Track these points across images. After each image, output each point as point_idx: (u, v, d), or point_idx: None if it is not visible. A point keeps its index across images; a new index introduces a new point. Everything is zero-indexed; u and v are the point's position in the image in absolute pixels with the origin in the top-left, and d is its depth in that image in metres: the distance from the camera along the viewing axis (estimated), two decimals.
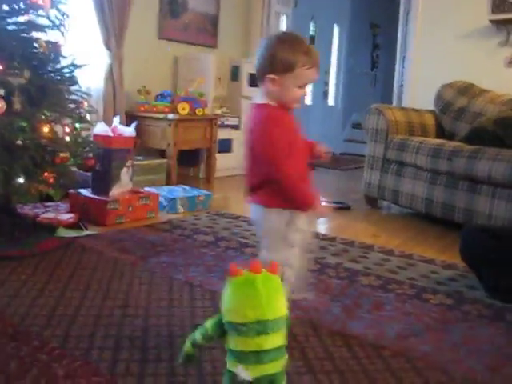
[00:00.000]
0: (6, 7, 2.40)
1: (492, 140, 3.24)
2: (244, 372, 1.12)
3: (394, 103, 5.11)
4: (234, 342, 1.14)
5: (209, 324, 1.21)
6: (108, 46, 4.19)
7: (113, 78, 4.26)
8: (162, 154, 4.46)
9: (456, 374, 1.52)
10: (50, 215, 2.88)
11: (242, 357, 1.13)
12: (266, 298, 1.12)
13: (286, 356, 1.19)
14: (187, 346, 1.24)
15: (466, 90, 4.03)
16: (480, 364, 1.59)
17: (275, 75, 1.54)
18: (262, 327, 1.10)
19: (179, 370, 1.44)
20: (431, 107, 4.20)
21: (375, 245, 2.90)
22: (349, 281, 2.29)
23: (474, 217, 3.08)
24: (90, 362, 1.46)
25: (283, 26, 6.21)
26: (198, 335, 1.23)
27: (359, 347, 1.66)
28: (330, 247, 2.80)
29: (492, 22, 4.28)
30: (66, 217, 2.86)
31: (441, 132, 4.04)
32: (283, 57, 1.53)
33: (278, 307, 1.15)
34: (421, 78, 4.72)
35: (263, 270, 1.18)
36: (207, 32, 5.41)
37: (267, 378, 1.14)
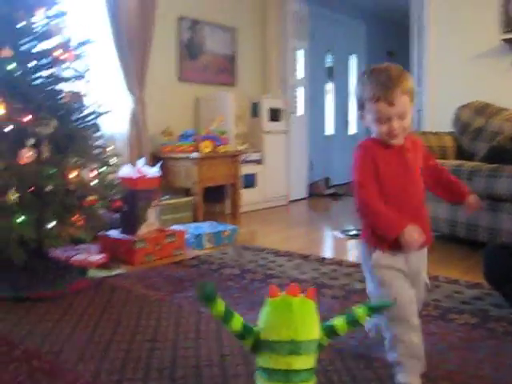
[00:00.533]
0: (33, 63, 2.56)
1: (511, 158, 3.25)
2: None
3: (414, 127, 5.14)
4: (265, 360, 1.20)
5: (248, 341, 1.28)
6: (131, 91, 4.35)
7: (137, 121, 4.41)
8: (188, 192, 4.57)
9: None
10: (81, 257, 2.98)
11: (272, 374, 1.18)
12: (300, 319, 1.19)
13: (315, 379, 1.24)
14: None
15: (483, 109, 4.05)
16: (505, 379, 1.60)
17: (360, 111, 1.59)
18: (294, 347, 1.16)
19: None
20: (450, 129, 4.23)
21: None
22: None
23: (498, 235, 3.08)
24: None
25: (300, 60, 6.36)
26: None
27: (383, 369, 1.68)
28: (356, 274, 2.83)
29: (504, 41, 4.32)
30: (97, 258, 2.96)
31: (460, 153, 4.05)
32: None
33: (311, 330, 1.21)
34: (438, 102, 4.77)
35: (301, 294, 1.24)
36: (226, 71, 5.57)
37: None
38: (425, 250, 1.64)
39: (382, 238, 1.52)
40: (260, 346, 1.23)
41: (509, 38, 4.32)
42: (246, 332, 1.27)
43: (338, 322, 1.32)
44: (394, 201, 1.53)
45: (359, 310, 1.33)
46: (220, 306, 1.27)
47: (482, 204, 1.53)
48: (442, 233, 3.59)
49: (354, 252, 3.53)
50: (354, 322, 1.32)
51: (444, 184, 1.70)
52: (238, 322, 1.27)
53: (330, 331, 1.30)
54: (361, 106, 1.57)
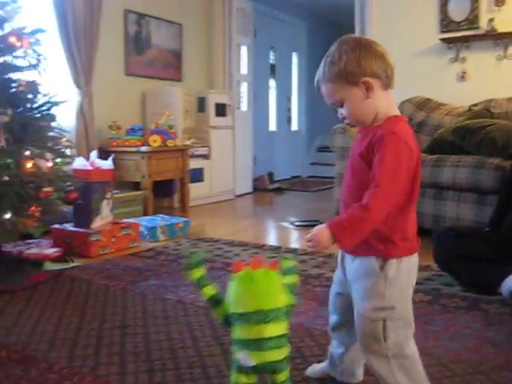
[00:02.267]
0: None
1: (452, 148, 3.44)
2: (247, 357, 1.23)
3: None
4: (237, 332, 1.25)
5: (219, 312, 1.32)
6: (77, 84, 4.28)
7: (84, 114, 4.34)
8: (136, 186, 4.53)
9: (441, 356, 1.65)
10: (35, 251, 2.92)
11: (245, 344, 1.24)
12: (264, 289, 1.24)
13: (289, 346, 1.29)
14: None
15: (424, 104, 4.26)
16: (461, 347, 1.73)
17: None
18: (261, 316, 1.22)
19: (186, 376, 1.53)
20: None
21: None
22: None
23: (441, 221, 3.25)
24: (99, 377, 1.53)
25: (244, 56, 6.42)
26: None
27: None
28: (310, 260, 2.92)
29: (442, 40, 4.55)
30: (51, 251, 2.90)
31: None
32: None
33: (276, 298, 1.26)
34: None
35: (264, 265, 1.29)
36: (172, 66, 5.55)
37: (269, 366, 1.25)
38: (359, 265, 1.28)
39: None
40: (231, 319, 1.28)
41: (446, 38, 4.55)
42: (217, 301, 1.32)
43: (290, 278, 1.38)
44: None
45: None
46: (200, 272, 1.33)
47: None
48: None
49: (303, 241, 3.63)
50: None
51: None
52: (211, 290, 1.33)
53: (292, 288, 1.36)
54: None
